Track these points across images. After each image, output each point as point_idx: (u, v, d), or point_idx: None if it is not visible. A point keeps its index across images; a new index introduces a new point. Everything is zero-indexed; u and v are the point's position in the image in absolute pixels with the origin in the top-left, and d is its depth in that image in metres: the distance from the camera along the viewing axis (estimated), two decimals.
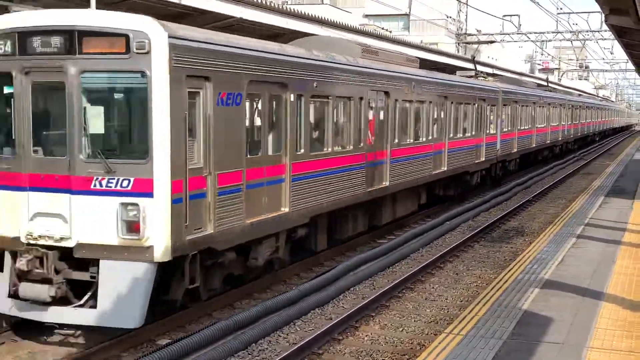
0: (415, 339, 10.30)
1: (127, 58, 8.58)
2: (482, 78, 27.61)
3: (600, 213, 17.92)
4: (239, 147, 10.29)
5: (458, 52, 49.66)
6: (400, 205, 17.76)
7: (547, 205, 24.31)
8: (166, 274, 9.29)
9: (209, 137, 9.59)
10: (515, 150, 29.38)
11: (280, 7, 19.82)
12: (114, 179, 8.66)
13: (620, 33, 20.55)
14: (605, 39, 52.46)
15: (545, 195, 27.03)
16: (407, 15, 61.35)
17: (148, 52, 8.59)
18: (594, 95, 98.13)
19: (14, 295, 9.08)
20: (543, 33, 53.40)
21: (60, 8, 10.41)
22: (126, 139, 9.36)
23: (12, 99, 9.19)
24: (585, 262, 12.22)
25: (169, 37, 8.78)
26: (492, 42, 43.05)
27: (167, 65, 8.70)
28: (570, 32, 51.62)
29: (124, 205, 8.62)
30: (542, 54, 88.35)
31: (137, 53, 8.58)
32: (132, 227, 8.62)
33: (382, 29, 48.00)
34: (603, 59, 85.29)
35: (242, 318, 10.36)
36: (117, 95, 9.36)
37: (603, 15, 18.42)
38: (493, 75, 32.66)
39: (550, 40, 55.01)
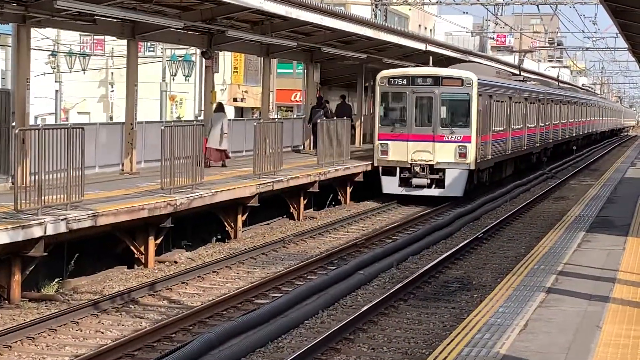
0: None
1: (462, 87, 35.62)
2: (528, 81, 53.10)
3: (579, 256, 18.39)
4: (487, 123, 38.14)
5: (376, 17, 50.54)
6: (508, 169, 43.56)
7: (504, 246, 24.90)
8: (468, 177, 35.47)
9: (481, 119, 36.63)
10: (551, 140, 56.41)
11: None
12: (454, 135, 35.11)
13: None
14: (585, 3, 54.45)
15: (502, 230, 27.72)
16: None
17: (471, 85, 35.57)
18: (592, 90, 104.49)
19: (400, 185, 35.37)
20: None
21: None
22: (459, 119, 35.78)
23: (405, 103, 36.27)
24: (559, 328, 12.50)
25: (477, 79, 35.94)
26: (424, 4, 44.17)
27: (477, 90, 35.73)
28: None
29: (459, 146, 35.06)
30: (496, 24, 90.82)
31: (466, 85, 35.57)
32: (461, 155, 34.92)
33: None
34: (583, 32, 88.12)
35: None
36: (456, 102, 36.12)
37: None
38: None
39: (507, 4, 56.66)
